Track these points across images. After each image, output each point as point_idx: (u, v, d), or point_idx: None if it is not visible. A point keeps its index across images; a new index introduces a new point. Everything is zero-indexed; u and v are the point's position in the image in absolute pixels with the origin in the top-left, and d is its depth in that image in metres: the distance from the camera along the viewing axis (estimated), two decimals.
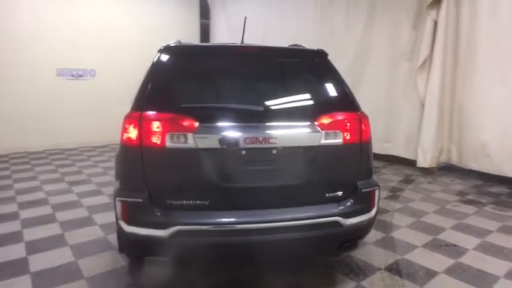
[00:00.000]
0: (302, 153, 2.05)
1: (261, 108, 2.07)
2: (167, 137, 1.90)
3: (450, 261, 2.69)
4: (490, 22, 4.76)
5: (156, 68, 2.15)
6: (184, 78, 2.18)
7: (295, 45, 2.68)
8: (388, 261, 2.66)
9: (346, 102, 2.22)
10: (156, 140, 1.90)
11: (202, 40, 9.10)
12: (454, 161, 5.41)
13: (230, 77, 2.25)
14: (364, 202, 2.15)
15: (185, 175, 1.97)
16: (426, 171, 5.41)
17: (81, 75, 7.38)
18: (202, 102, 2.11)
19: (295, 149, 2.03)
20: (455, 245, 2.96)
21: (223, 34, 8.87)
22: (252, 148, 1.95)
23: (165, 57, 2.19)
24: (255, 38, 8.09)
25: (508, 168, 4.65)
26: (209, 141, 1.92)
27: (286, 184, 2.06)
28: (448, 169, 5.56)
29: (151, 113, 1.95)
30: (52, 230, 3.24)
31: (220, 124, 1.97)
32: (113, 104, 6.21)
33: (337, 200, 2.13)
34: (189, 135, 1.90)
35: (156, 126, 1.91)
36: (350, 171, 2.17)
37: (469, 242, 3.04)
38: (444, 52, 5.19)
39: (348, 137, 2.11)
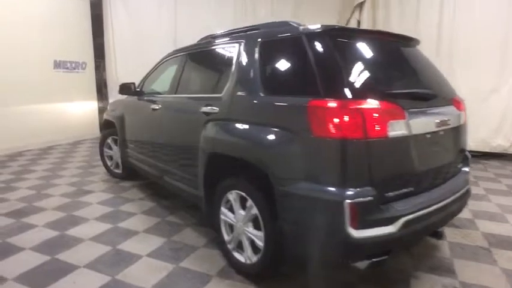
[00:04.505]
0: (453, 133, 2.27)
1: (434, 92, 2.16)
2: (389, 126, 1.77)
3: None
4: (398, 23, 6.04)
5: (335, 50, 1.90)
6: (365, 62, 2.01)
7: None
8: None
9: (450, 87, 2.55)
10: (380, 130, 1.74)
11: (93, 23, 7.58)
12: None
13: (390, 61, 2.21)
14: (469, 168, 2.56)
15: (399, 164, 1.89)
16: None
17: None
18: (395, 88, 2.01)
19: (452, 129, 2.23)
20: None
21: (121, 19, 7.68)
22: (435, 131, 2.05)
23: (337, 40, 1.96)
24: (161, 30, 7.48)
25: None
26: (418, 127, 1.90)
27: (448, 161, 2.25)
28: None
29: (372, 101, 1.76)
30: None
31: (421, 109, 1.99)
32: None
33: (460, 170, 2.47)
34: (402, 122, 1.83)
35: (381, 115, 1.75)
36: (465, 144, 2.54)
37: None
38: None
39: (465, 117, 2.47)
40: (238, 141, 2.22)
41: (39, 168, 5.10)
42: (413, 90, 2.07)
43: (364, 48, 2.09)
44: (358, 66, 1.94)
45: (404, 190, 1.90)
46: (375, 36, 2.26)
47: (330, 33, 1.97)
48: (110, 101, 8.14)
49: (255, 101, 2.15)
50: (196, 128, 2.60)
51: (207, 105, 2.53)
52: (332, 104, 1.74)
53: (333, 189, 1.73)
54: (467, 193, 2.37)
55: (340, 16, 6.45)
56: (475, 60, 5.63)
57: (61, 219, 3.25)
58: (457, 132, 2.33)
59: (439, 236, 2.13)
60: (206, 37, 3.14)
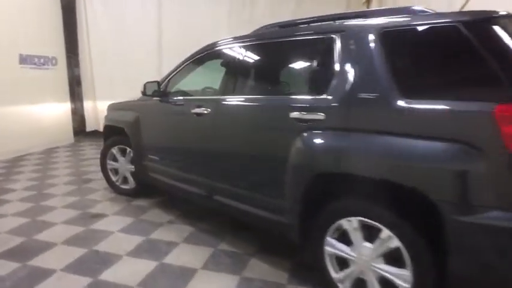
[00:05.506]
0: None
1: None
2: None
3: None
4: None
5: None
6: None
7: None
8: None
9: None
10: None
11: (65, 13, 6.55)
12: None
13: None
14: None
15: None
16: None
17: None
18: None
19: None
20: None
21: (97, 9, 6.75)
22: None
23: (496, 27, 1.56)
24: (143, 25, 6.69)
25: None
26: None
27: None
28: None
29: None
30: None
31: None
32: None
33: None
34: None
35: None
36: None
37: None
38: None
39: None
40: (383, 159, 1.71)
41: (17, 187, 4.14)
42: None
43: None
44: None
45: None
46: None
47: (501, 22, 1.57)
48: (85, 102, 7.20)
49: (395, 107, 1.67)
50: (282, 138, 2.08)
51: (302, 110, 2.02)
52: None
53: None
54: None
55: (345, 10, 6.19)
56: None
57: (83, 257, 2.52)
58: None
59: None
60: (270, 26, 2.60)
